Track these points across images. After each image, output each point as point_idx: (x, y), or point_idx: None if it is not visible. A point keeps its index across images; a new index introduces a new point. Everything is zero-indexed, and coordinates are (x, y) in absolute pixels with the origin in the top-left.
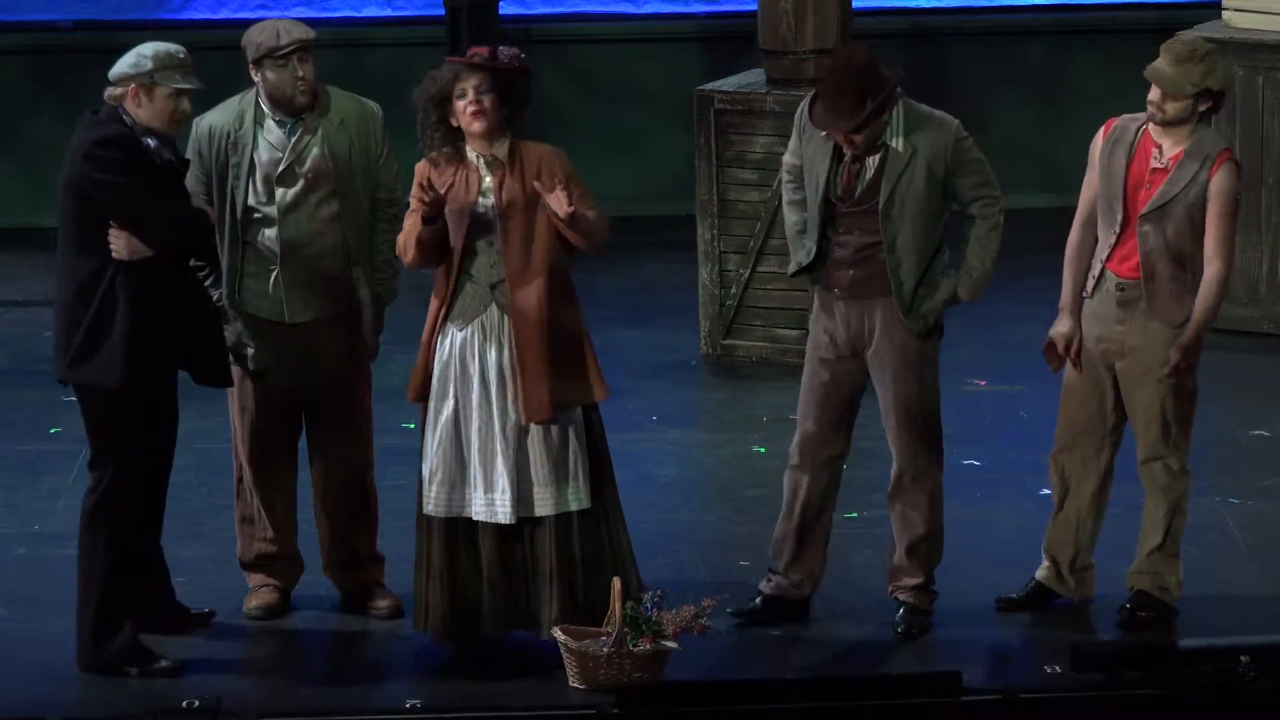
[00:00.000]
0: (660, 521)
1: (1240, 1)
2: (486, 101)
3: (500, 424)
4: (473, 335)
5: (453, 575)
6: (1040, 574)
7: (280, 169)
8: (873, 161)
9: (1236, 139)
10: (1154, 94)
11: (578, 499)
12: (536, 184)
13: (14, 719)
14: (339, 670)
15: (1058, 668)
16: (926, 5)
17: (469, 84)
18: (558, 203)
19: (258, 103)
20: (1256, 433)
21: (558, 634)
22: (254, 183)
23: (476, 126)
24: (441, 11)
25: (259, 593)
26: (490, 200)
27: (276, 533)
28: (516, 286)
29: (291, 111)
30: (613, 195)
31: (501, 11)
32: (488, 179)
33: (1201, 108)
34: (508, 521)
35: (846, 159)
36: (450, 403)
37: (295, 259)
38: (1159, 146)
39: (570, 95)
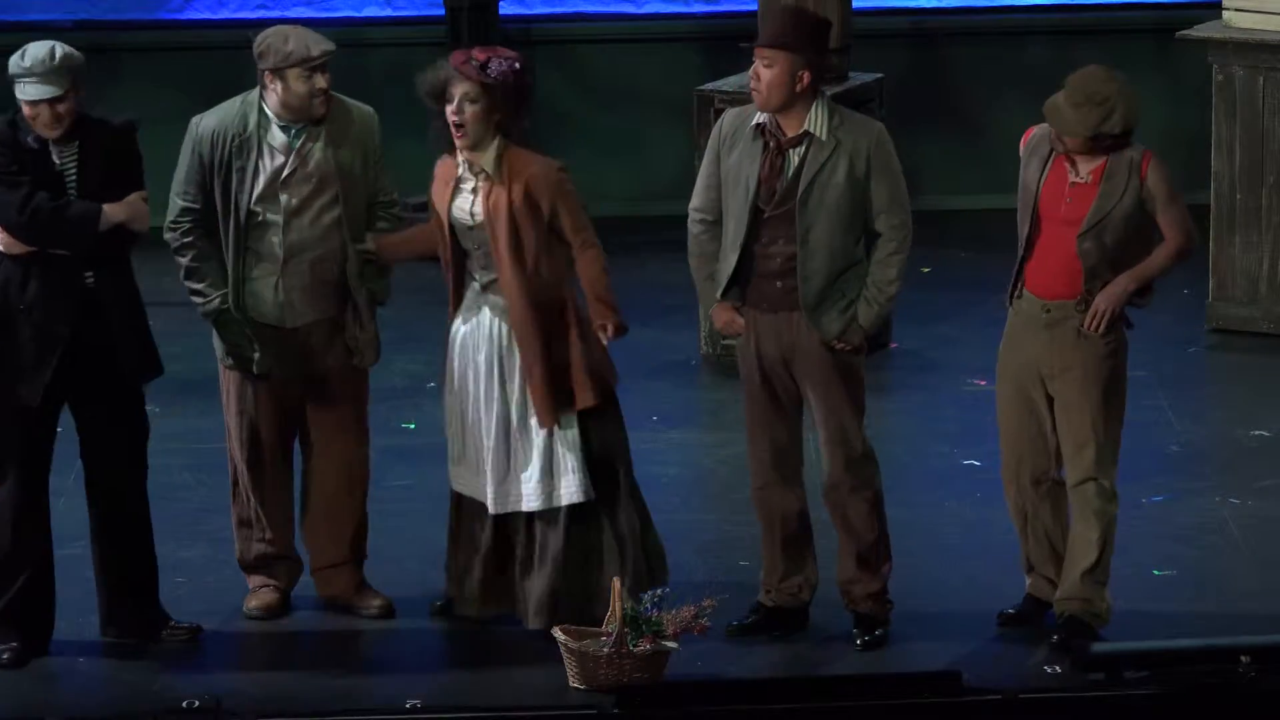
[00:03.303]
0: (660, 521)
1: (1240, 1)
2: (469, 112)
3: (487, 422)
4: (470, 332)
5: (464, 546)
6: (1031, 588)
7: (285, 174)
8: (795, 154)
9: (1236, 139)
10: (1054, 131)
11: (569, 493)
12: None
13: (14, 719)
14: (339, 670)
15: (1058, 668)
16: (926, 5)
17: (457, 91)
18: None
19: (261, 106)
20: (1256, 433)
21: (558, 634)
22: (257, 187)
23: (458, 143)
24: (441, 11)
25: (259, 593)
26: (468, 207)
27: (274, 534)
28: (513, 300)
29: (304, 121)
30: (613, 195)
31: (501, 11)
32: (467, 187)
33: (1101, 147)
34: (492, 511)
35: (770, 150)
36: (455, 392)
37: (297, 263)
38: (1073, 162)
39: (570, 95)
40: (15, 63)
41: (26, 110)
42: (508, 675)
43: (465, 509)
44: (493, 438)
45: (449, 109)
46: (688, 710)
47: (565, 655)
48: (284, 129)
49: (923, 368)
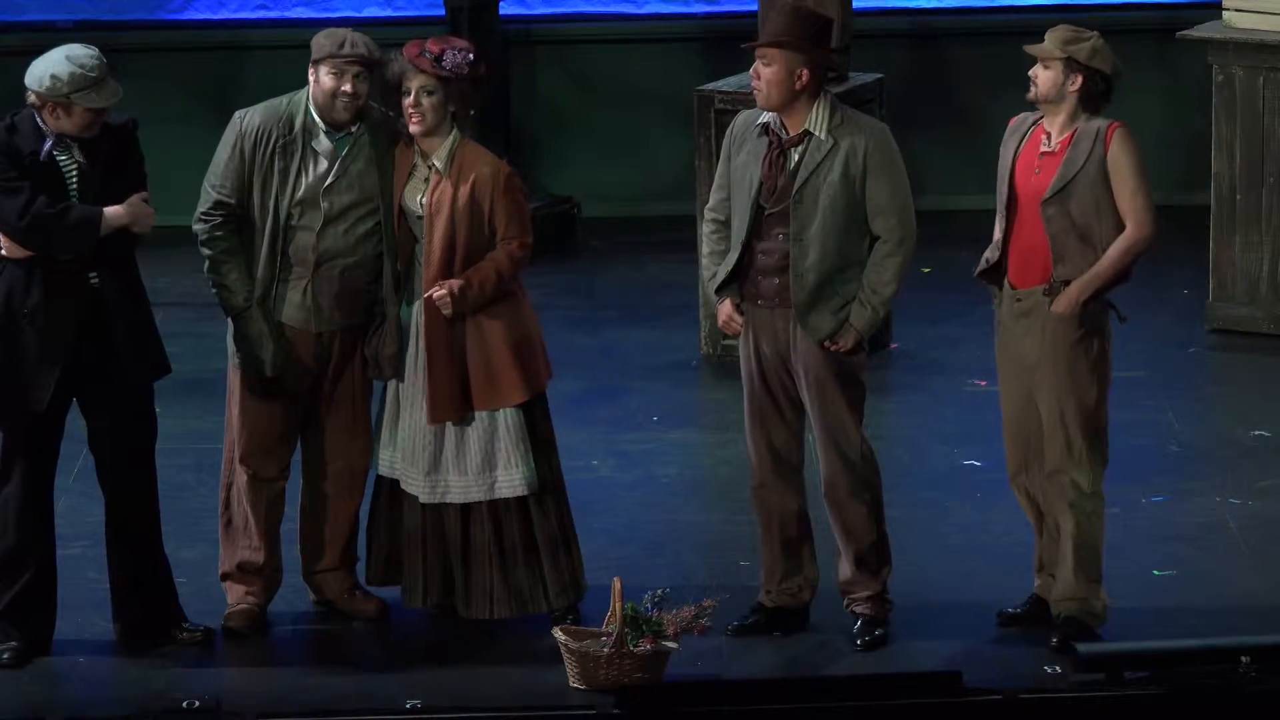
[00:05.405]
0: (660, 521)
1: (1240, 1)
2: (426, 104)
3: (419, 409)
4: (416, 316)
5: (389, 530)
6: (1039, 589)
7: (328, 181)
8: (796, 152)
9: (1237, 139)
10: (1032, 70)
11: (510, 486)
12: (432, 293)
13: (15, 719)
14: (339, 670)
15: (1058, 668)
16: (926, 5)
17: (414, 83)
18: (443, 305)
19: (308, 109)
20: (1257, 433)
21: (558, 634)
22: (299, 191)
23: (413, 129)
24: (442, 12)
25: (237, 608)
26: (418, 197)
27: (263, 541)
28: (429, 293)
29: (332, 123)
30: (613, 195)
31: (501, 11)
32: (419, 176)
33: (1071, 85)
34: (424, 501)
35: (772, 149)
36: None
37: (329, 269)
38: (1048, 134)
39: (570, 95)
40: (75, 74)
41: (85, 118)
42: (507, 675)
43: (396, 495)
44: (424, 426)
45: (406, 102)
46: (688, 710)
47: (565, 655)
48: (329, 135)
49: (923, 368)
